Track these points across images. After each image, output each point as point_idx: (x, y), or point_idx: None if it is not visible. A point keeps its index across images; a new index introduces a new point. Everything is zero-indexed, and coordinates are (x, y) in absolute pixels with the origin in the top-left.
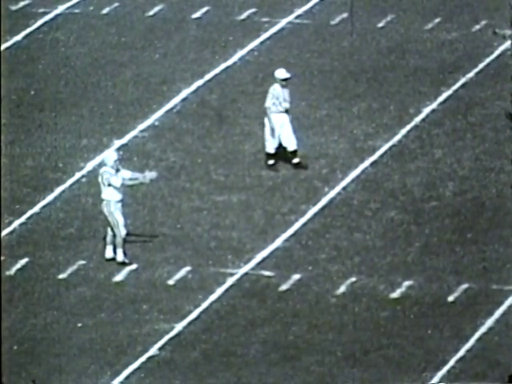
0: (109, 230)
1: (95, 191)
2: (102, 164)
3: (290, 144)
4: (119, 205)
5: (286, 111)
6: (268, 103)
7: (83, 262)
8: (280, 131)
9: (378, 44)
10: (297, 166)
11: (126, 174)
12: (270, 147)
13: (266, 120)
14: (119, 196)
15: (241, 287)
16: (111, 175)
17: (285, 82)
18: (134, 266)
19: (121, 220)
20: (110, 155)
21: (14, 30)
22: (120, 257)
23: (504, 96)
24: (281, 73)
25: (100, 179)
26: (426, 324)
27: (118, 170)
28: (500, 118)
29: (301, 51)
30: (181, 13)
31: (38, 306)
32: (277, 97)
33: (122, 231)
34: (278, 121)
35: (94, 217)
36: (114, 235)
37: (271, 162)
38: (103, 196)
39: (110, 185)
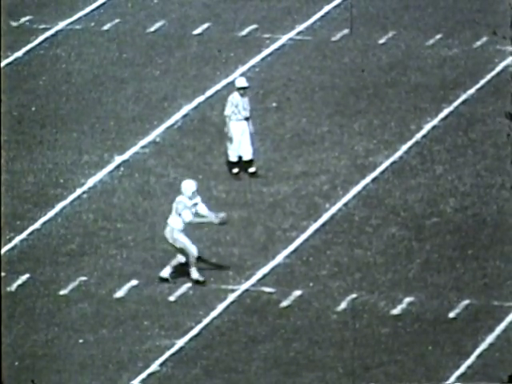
0: (178, 255)
1: (96, 207)
2: (179, 191)
3: (247, 153)
4: (181, 231)
5: (246, 119)
6: (227, 111)
7: (84, 278)
8: (240, 139)
9: (379, 60)
10: (252, 175)
11: (202, 208)
12: (233, 156)
13: (225, 128)
14: (182, 225)
15: (242, 303)
16: (185, 207)
17: (243, 91)
18: (135, 282)
19: (187, 241)
20: (188, 185)
21: (15, 46)
22: (194, 275)
23: (490, 112)
24: (240, 82)
25: (174, 205)
26: (427, 340)
27: (195, 204)
28: (501, 134)
29: (302, 67)
30: (182, 29)
31: (39, 322)
32: (236, 105)
33: (193, 251)
34: (238, 129)
35: (94, 233)
36: (185, 258)
37: (235, 170)
38: (169, 221)
39: (180, 215)
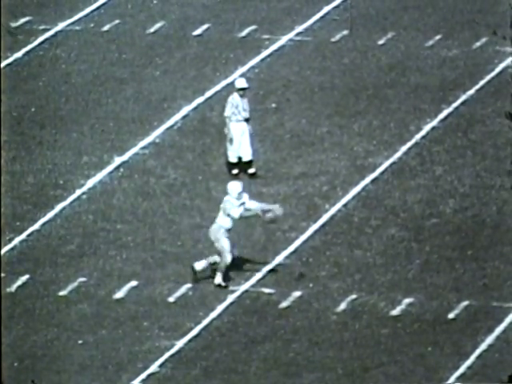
0: (216, 256)
1: (96, 208)
2: (226, 192)
3: (246, 154)
4: (227, 232)
5: (246, 120)
6: (227, 112)
7: (84, 278)
8: (239, 140)
9: (378, 61)
10: (252, 176)
11: (252, 204)
12: (232, 157)
13: (225, 129)
14: (230, 224)
15: (241, 304)
16: (232, 206)
17: (243, 92)
18: (134, 283)
19: (227, 245)
20: (234, 186)
21: (15, 47)
22: (218, 280)
23: (490, 112)
24: (240, 82)
25: (222, 206)
26: (427, 341)
27: (242, 203)
28: (500, 135)
29: (301, 68)
30: (181, 30)
31: (39, 323)
32: (236, 106)
33: (227, 258)
34: (238, 130)
35: (94, 234)
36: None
37: (235, 171)
38: (217, 220)
39: (228, 215)
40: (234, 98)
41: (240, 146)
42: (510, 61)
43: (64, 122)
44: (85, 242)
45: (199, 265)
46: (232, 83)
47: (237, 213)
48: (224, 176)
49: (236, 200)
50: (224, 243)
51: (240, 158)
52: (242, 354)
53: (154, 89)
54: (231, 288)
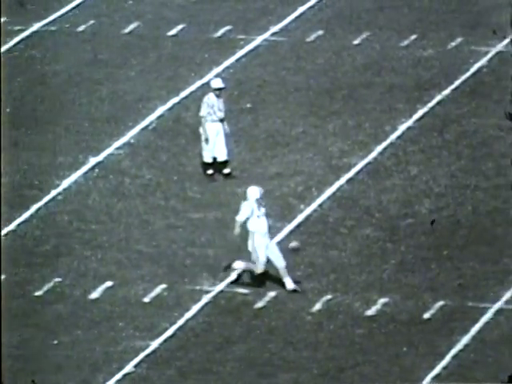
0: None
1: (71, 208)
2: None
3: (221, 154)
4: (264, 236)
5: (221, 120)
6: (203, 112)
7: (59, 279)
8: (215, 141)
9: (353, 61)
10: (227, 176)
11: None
12: (207, 157)
13: (200, 129)
14: (261, 227)
15: (216, 304)
16: (245, 210)
17: (219, 92)
18: (110, 284)
19: (262, 256)
20: (252, 192)
21: None
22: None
23: (480, 113)
24: (216, 82)
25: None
26: (402, 341)
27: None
28: (476, 135)
29: (276, 68)
30: (156, 30)
31: (14, 323)
32: (211, 106)
33: (258, 269)
34: (213, 130)
35: (69, 234)
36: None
37: (210, 171)
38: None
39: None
40: (210, 98)
41: (215, 147)
42: (485, 61)
43: (39, 123)
44: (60, 242)
45: (237, 265)
46: (207, 83)
47: (243, 216)
48: (199, 176)
49: (254, 204)
50: (259, 252)
51: (215, 158)
52: (218, 354)
53: (128, 89)
54: (206, 288)
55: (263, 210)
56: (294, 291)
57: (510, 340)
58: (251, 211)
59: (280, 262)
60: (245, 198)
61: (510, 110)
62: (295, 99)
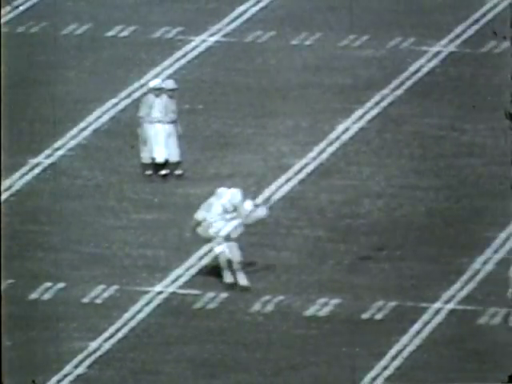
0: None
1: (23, 210)
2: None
3: (173, 155)
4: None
5: (173, 122)
6: (141, 113)
7: (12, 280)
8: (164, 141)
9: (292, 62)
10: (179, 177)
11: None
12: (146, 158)
13: (138, 130)
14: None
15: (169, 306)
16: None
17: (171, 93)
18: (49, 284)
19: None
20: (234, 194)
21: None
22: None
23: (417, 113)
24: (169, 83)
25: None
26: (341, 341)
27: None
28: (427, 135)
29: (217, 69)
30: (95, 31)
31: None
32: (150, 106)
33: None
34: (153, 130)
35: (22, 236)
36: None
37: (149, 172)
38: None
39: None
40: (149, 98)
41: (166, 148)
42: (424, 60)
43: None
44: (13, 244)
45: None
46: (146, 84)
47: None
48: (138, 177)
49: (228, 206)
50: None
51: (167, 160)
52: (168, 355)
53: (67, 90)
54: (145, 289)
55: (233, 215)
56: (246, 289)
57: (450, 340)
58: (221, 212)
59: (236, 257)
60: (197, 199)
61: (510, 110)
62: (236, 100)
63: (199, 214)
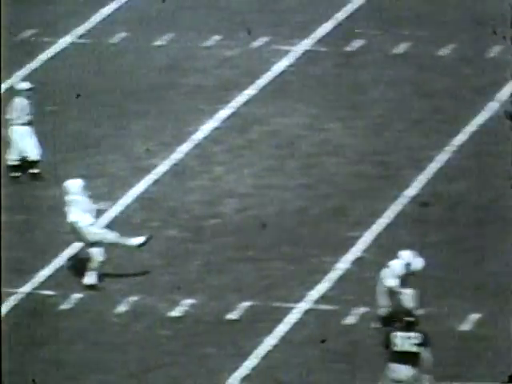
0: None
1: None
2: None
3: (33, 155)
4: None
5: (29, 123)
6: (10, 115)
7: None
8: (24, 142)
9: (155, 62)
10: (34, 175)
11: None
12: (12, 160)
13: (7, 132)
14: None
15: (22, 306)
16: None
17: (27, 94)
18: None
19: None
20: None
21: None
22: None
23: (286, 113)
24: (25, 85)
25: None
26: (207, 342)
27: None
28: (281, 134)
29: (81, 71)
30: None
31: None
32: (20, 109)
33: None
34: (20, 133)
35: None
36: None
37: (16, 174)
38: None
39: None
40: (17, 101)
41: (23, 148)
42: (288, 60)
43: None
44: None
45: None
46: (10, 88)
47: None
48: (4, 178)
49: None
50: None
51: (23, 159)
52: (24, 356)
53: None
54: (11, 290)
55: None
56: (91, 287)
57: (315, 340)
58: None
59: (98, 257)
60: (50, 200)
61: (510, 110)
62: (98, 101)
63: (72, 217)
